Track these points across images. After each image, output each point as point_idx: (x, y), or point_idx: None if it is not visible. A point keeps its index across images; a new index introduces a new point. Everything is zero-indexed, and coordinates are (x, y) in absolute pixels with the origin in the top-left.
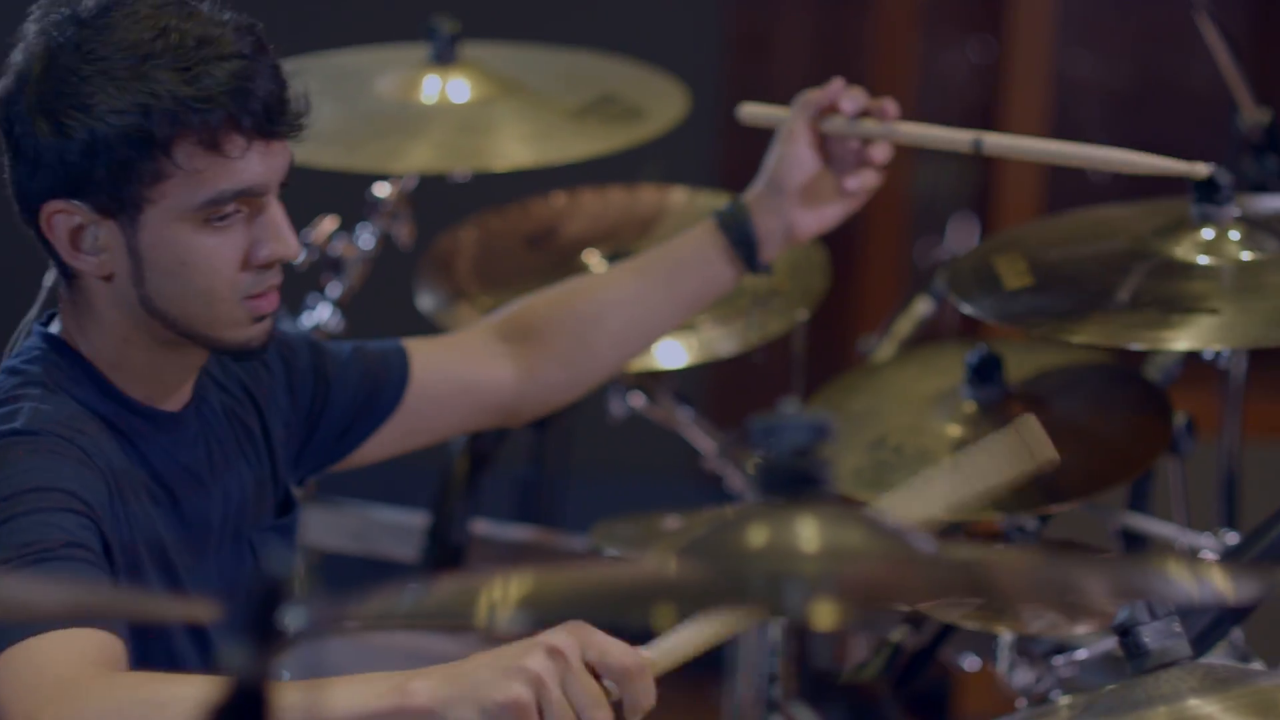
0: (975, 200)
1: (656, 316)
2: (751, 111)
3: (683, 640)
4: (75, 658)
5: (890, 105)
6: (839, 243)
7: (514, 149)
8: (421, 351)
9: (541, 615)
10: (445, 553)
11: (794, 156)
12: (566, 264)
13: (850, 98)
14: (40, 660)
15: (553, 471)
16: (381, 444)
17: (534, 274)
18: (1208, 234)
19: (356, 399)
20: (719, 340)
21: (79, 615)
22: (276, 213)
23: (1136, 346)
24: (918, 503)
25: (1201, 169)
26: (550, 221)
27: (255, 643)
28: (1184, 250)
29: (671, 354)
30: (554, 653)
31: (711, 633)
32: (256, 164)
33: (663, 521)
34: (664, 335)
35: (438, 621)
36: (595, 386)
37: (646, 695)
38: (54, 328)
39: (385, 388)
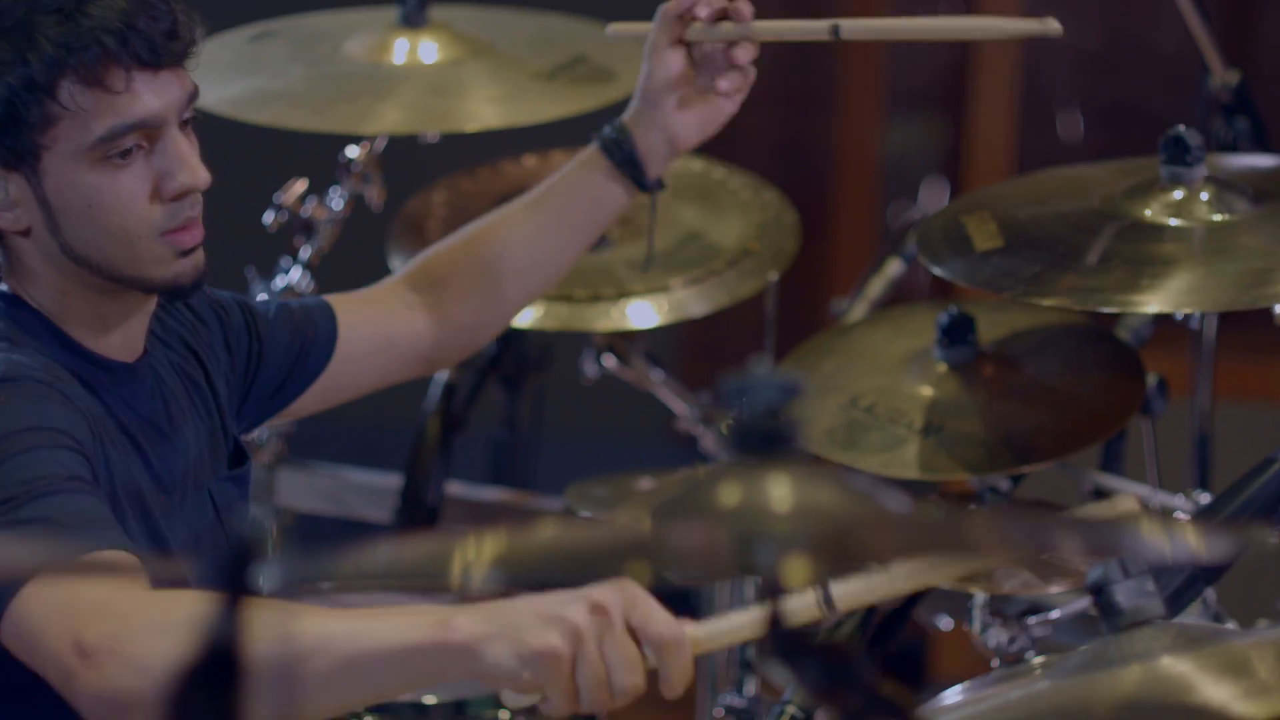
0: (946, 161)
1: (556, 248)
2: (617, 28)
3: (730, 625)
4: (109, 575)
5: (745, 6)
6: (810, 204)
7: (484, 110)
8: (344, 309)
9: (514, 575)
10: (419, 514)
11: (661, 68)
12: None
13: (705, 3)
14: (70, 581)
15: (526, 433)
16: (310, 400)
17: None
18: (1178, 195)
19: (288, 357)
20: (690, 301)
21: (95, 527)
22: (180, 143)
23: (1106, 309)
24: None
25: (1054, 26)
26: (522, 183)
27: (228, 601)
28: (1154, 211)
29: (643, 315)
30: (597, 609)
31: (757, 623)
32: (146, 96)
33: (636, 482)
34: (568, 265)
35: (411, 581)
36: (508, 324)
37: (683, 670)
38: (4, 285)
39: (315, 345)
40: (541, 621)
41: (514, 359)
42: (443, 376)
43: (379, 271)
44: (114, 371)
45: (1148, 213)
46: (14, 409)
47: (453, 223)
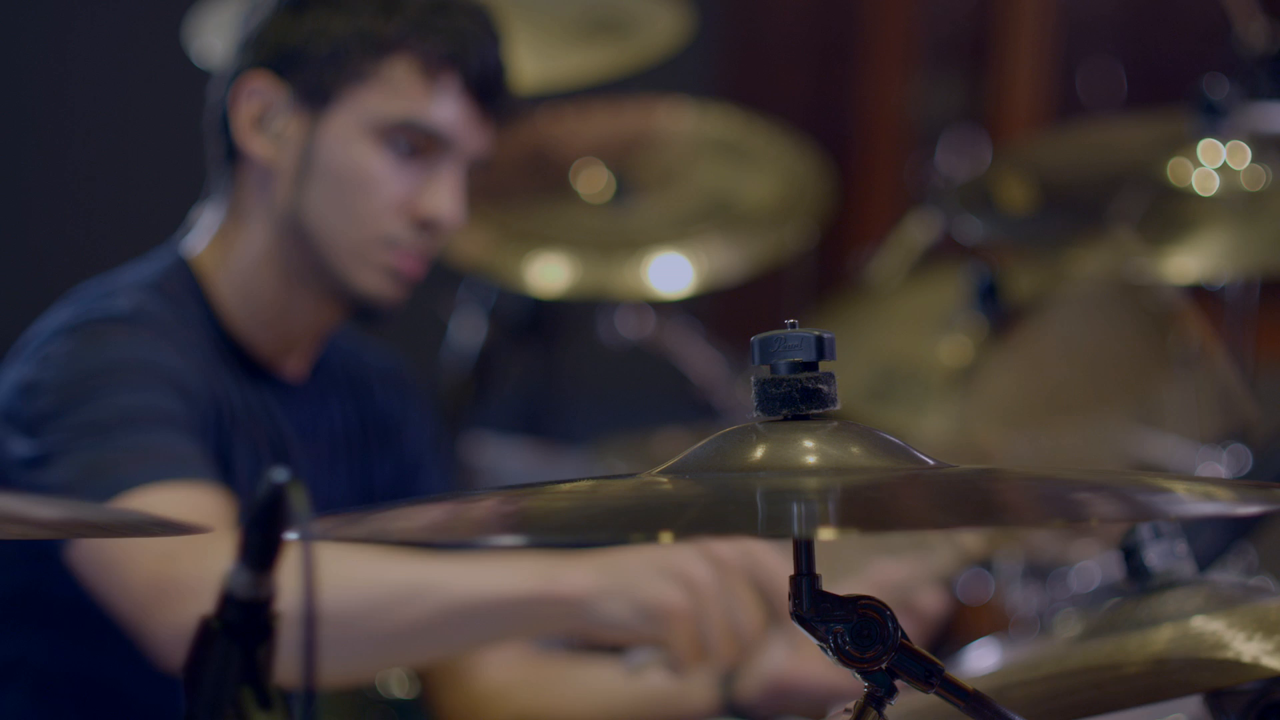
0: (974, 116)
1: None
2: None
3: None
4: (198, 511)
5: None
6: (837, 163)
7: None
8: None
9: (540, 535)
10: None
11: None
12: (563, 177)
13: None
14: (167, 507)
15: (556, 388)
16: None
17: (533, 188)
18: (1213, 154)
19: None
20: (724, 264)
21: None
22: (456, 177)
23: (1135, 275)
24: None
25: None
26: (549, 136)
27: (258, 555)
28: (1188, 172)
29: (676, 279)
30: (721, 565)
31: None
32: (459, 115)
33: (662, 438)
34: None
35: (436, 540)
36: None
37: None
38: (188, 248)
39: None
40: (658, 575)
41: (547, 322)
42: (478, 338)
43: None
44: (268, 379)
45: (1181, 173)
46: (132, 344)
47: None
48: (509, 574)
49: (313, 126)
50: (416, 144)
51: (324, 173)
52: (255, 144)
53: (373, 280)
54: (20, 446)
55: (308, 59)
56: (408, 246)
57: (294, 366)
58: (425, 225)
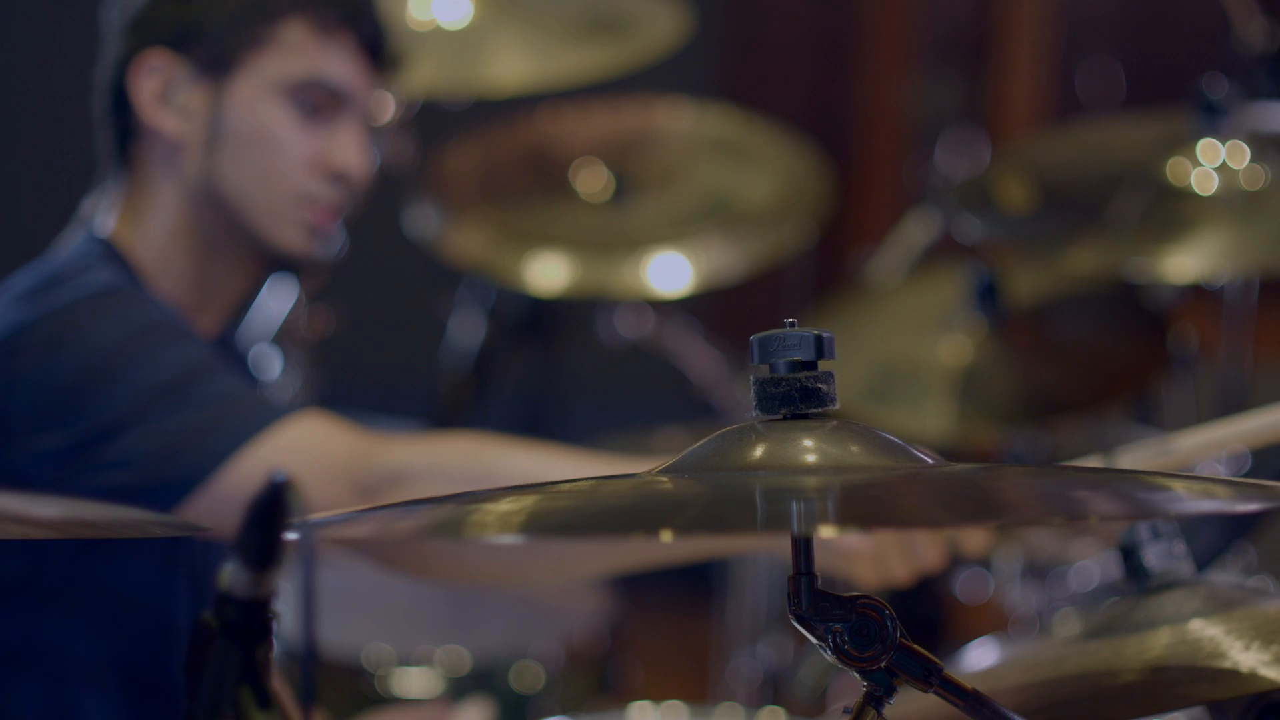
0: (973, 115)
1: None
2: None
3: None
4: (330, 436)
5: None
6: (836, 162)
7: (512, 70)
8: None
9: (541, 533)
10: None
11: None
12: (562, 177)
13: None
14: (300, 444)
15: (556, 388)
16: None
17: (532, 188)
18: (1212, 154)
19: None
20: (723, 264)
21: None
22: (359, 131)
23: (1134, 274)
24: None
25: None
26: (549, 135)
27: (257, 555)
28: (1187, 172)
29: (676, 279)
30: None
31: None
32: (355, 71)
33: (661, 437)
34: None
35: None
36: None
37: (979, 542)
38: (100, 230)
39: None
40: None
41: (547, 321)
42: (477, 338)
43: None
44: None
45: (1180, 172)
46: (141, 307)
47: (483, 176)
48: None
49: (216, 96)
50: (318, 101)
51: (233, 139)
52: (161, 119)
53: (292, 236)
54: (50, 439)
55: (204, 32)
56: (323, 201)
57: (206, 325)
58: (337, 178)
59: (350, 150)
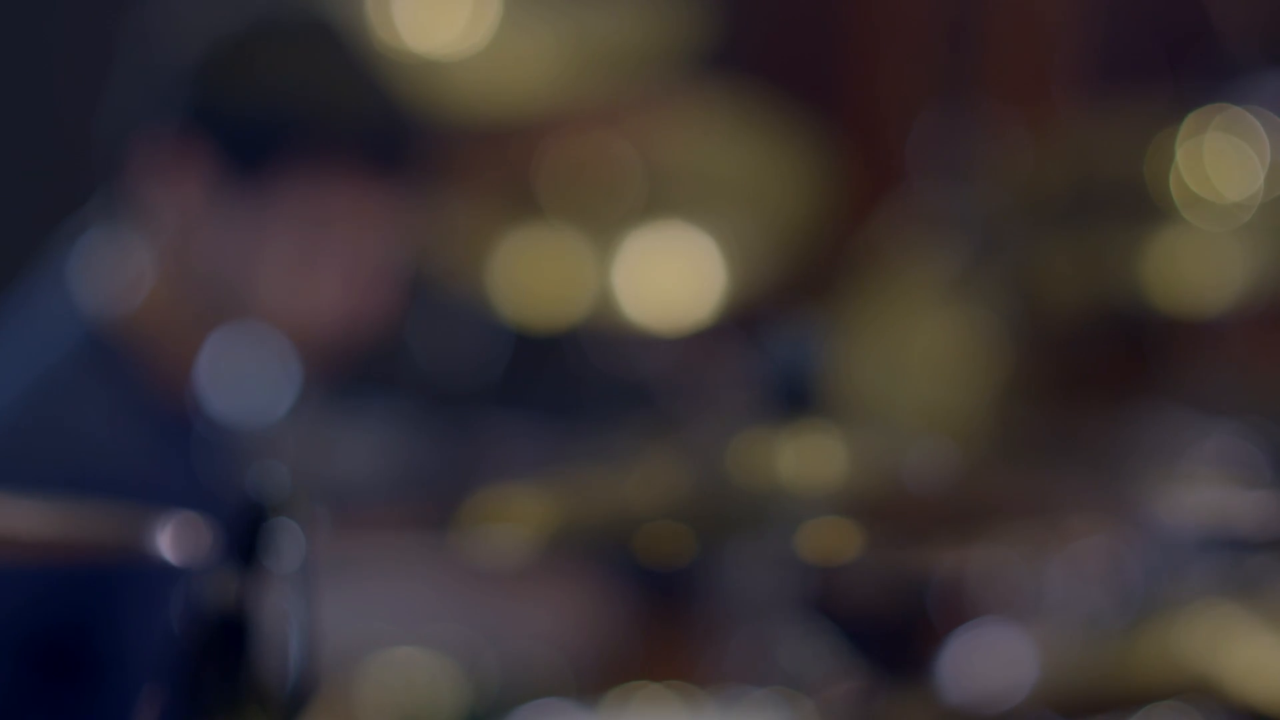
0: (969, 113)
1: None
2: None
3: None
4: None
5: None
6: (834, 156)
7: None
8: None
9: (537, 536)
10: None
11: None
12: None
13: None
14: None
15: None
16: None
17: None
18: (1207, 153)
19: None
20: (724, 261)
21: None
22: None
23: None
24: None
25: None
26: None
27: (239, 569)
28: (1180, 173)
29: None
30: None
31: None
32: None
33: (659, 440)
34: None
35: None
36: None
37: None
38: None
39: None
40: None
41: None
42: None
43: None
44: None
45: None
46: None
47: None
48: None
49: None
50: None
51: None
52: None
53: None
54: None
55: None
56: None
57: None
58: None
59: None
